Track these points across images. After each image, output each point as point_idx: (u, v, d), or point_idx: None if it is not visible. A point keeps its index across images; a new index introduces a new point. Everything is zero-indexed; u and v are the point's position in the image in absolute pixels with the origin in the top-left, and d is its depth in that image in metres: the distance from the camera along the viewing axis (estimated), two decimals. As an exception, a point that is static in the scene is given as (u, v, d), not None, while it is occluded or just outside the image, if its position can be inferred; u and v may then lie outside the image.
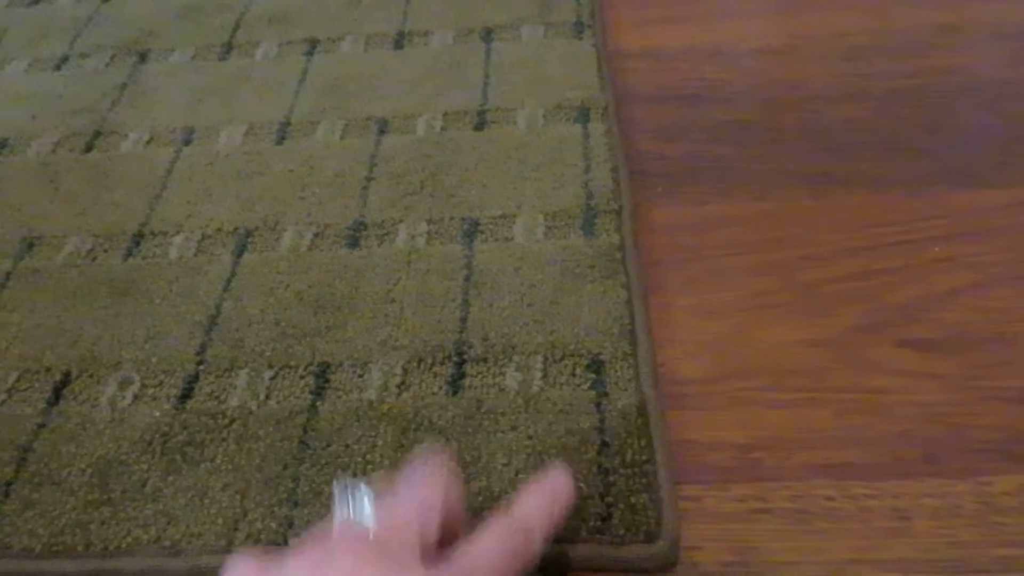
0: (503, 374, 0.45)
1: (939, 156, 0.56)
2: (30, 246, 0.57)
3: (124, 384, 0.47)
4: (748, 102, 0.63)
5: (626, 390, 0.44)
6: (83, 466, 0.43)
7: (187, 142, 0.64)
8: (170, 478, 0.42)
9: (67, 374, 0.48)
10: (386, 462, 0.42)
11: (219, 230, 0.56)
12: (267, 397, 0.46)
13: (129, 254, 0.55)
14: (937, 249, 0.50)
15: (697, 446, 0.42)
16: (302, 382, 0.46)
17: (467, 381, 0.45)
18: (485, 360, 0.46)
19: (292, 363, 0.47)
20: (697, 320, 0.48)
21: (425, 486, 0.33)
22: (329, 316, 0.50)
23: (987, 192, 0.53)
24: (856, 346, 0.46)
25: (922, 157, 0.57)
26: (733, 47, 0.68)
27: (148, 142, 0.64)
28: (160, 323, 0.50)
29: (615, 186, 0.55)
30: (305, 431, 0.44)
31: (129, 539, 0.40)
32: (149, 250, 0.55)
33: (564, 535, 0.38)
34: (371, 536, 0.31)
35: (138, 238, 0.56)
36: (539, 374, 0.45)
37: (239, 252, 0.54)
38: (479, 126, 0.62)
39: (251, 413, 0.45)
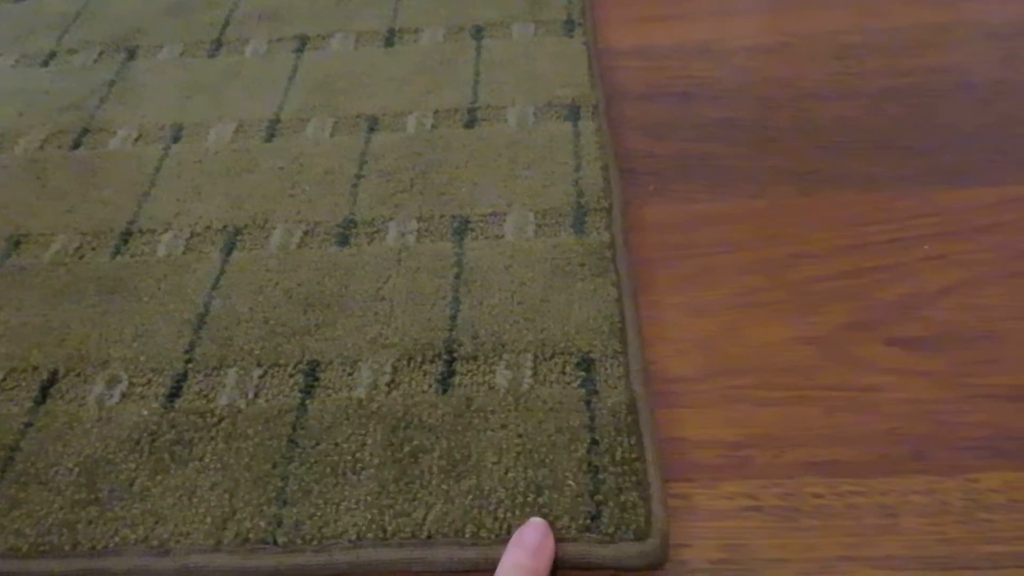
0: (493, 372, 0.45)
1: (930, 155, 0.57)
2: (17, 244, 0.56)
3: (112, 383, 0.47)
4: (739, 100, 0.63)
5: (616, 388, 0.44)
6: (70, 465, 0.43)
7: (176, 139, 0.64)
8: (158, 477, 0.42)
9: (54, 373, 0.48)
10: (375, 460, 0.42)
11: (208, 228, 0.56)
12: (256, 396, 0.45)
13: (117, 252, 0.55)
14: (927, 247, 0.51)
15: (687, 444, 0.42)
16: (291, 380, 0.46)
17: (457, 379, 0.45)
18: (475, 358, 0.46)
19: (281, 361, 0.47)
20: (687, 318, 0.48)
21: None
22: (319, 314, 0.49)
23: (977, 191, 0.54)
24: (846, 344, 0.46)
25: (913, 156, 0.57)
26: (724, 45, 0.68)
27: (136, 139, 0.64)
28: (148, 321, 0.50)
29: (605, 184, 0.55)
30: (294, 430, 0.43)
31: (117, 539, 0.40)
32: (137, 248, 0.55)
33: (554, 534, 0.38)
34: None
35: (126, 236, 0.56)
36: (529, 372, 0.45)
37: (228, 250, 0.54)
38: (469, 124, 0.62)
39: (240, 412, 0.45)
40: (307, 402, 0.45)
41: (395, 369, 0.46)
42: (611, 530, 0.38)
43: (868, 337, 0.46)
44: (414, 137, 0.61)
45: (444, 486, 0.40)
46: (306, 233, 0.55)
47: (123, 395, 0.46)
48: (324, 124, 0.64)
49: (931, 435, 0.41)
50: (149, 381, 0.47)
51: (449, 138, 0.61)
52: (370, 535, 0.39)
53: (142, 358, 0.48)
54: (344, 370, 0.46)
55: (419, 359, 0.46)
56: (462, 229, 0.54)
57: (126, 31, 0.77)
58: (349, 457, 0.42)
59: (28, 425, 0.45)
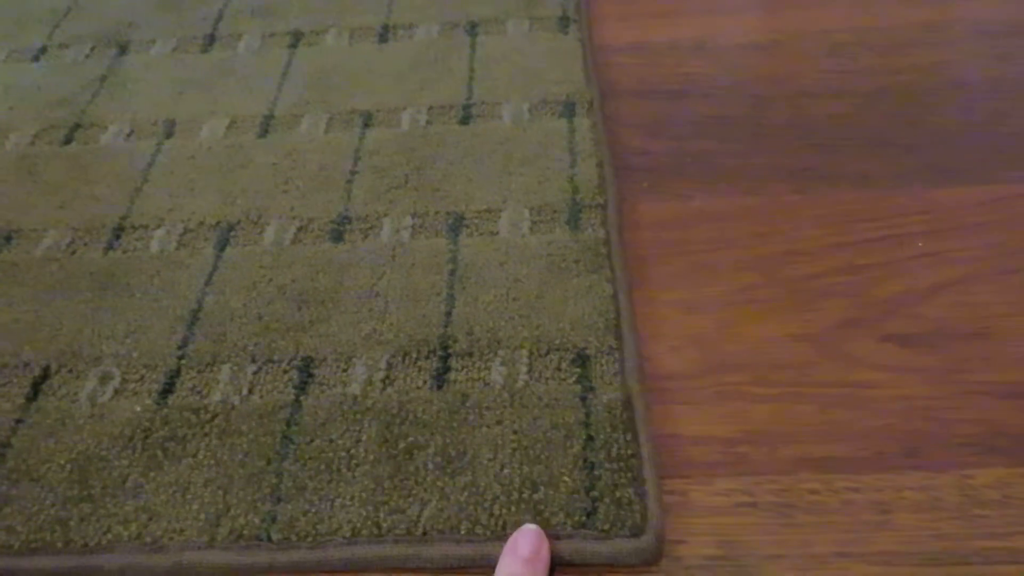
0: (488, 368, 0.45)
1: (922, 152, 0.57)
2: (8, 239, 0.56)
3: (104, 379, 0.47)
4: (733, 97, 0.63)
5: (611, 384, 0.44)
6: (62, 462, 0.43)
7: (169, 135, 0.63)
8: (151, 474, 0.42)
9: (46, 369, 0.47)
10: (370, 457, 0.41)
11: (201, 224, 0.55)
12: (250, 392, 0.45)
13: (109, 248, 0.54)
14: (920, 245, 0.51)
15: (682, 440, 0.42)
16: (285, 377, 0.46)
17: (452, 375, 0.45)
18: (470, 354, 0.46)
19: (275, 357, 0.47)
20: (682, 315, 0.48)
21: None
22: (313, 310, 0.49)
23: (970, 188, 0.54)
24: (840, 341, 0.46)
25: (906, 153, 0.57)
26: (718, 42, 0.68)
27: (129, 135, 0.64)
28: (141, 317, 0.50)
29: (600, 181, 0.55)
30: (288, 426, 0.43)
31: (110, 536, 0.39)
32: (130, 244, 0.55)
33: (550, 530, 0.38)
34: None
35: (119, 231, 0.56)
36: (524, 368, 0.45)
37: (221, 246, 0.54)
38: (464, 120, 0.62)
39: (234, 408, 0.44)
40: (301, 398, 0.45)
41: (390, 365, 0.46)
42: (606, 527, 0.38)
43: (862, 334, 0.46)
44: (408, 133, 0.61)
45: (439, 483, 0.40)
46: (300, 229, 0.54)
47: (116, 391, 0.46)
48: (318, 120, 0.63)
49: (925, 431, 0.42)
50: (142, 377, 0.46)
51: (444, 134, 0.61)
52: (365, 532, 0.38)
53: (135, 354, 0.48)
54: (338, 366, 0.46)
55: (414, 355, 0.46)
56: (457, 225, 0.54)
57: (118, 26, 0.76)
58: (344, 454, 0.42)
59: (20, 422, 0.45)
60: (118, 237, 0.55)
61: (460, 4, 0.74)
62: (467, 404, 0.43)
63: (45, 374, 0.47)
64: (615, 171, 0.57)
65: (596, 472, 0.40)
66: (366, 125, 0.62)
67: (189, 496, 0.41)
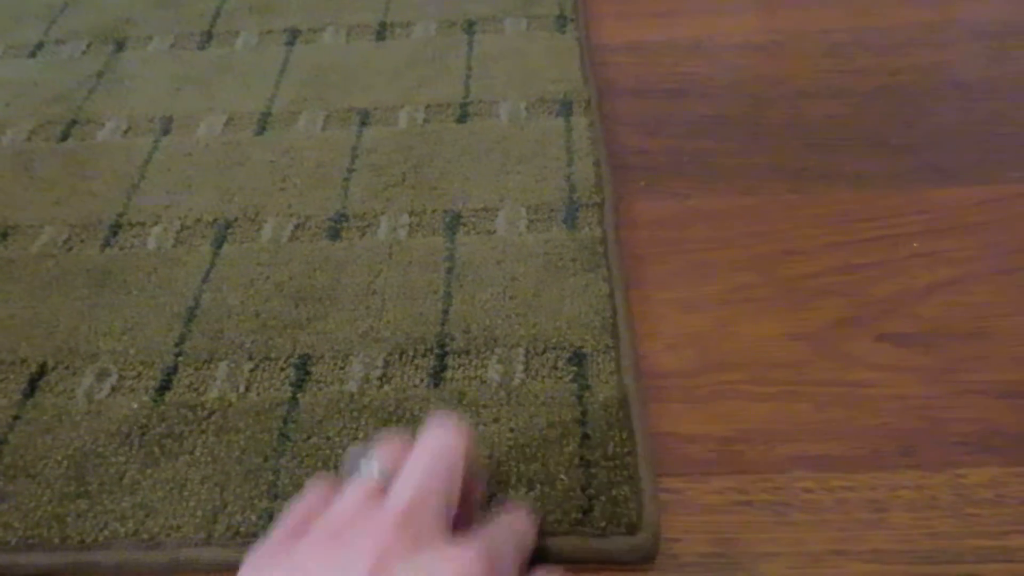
0: (485, 367, 0.45)
1: (919, 152, 0.57)
2: (4, 236, 0.56)
3: (101, 376, 0.47)
4: (730, 97, 0.63)
5: (608, 383, 0.44)
6: (59, 458, 0.43)
7: (166, 132, 0.63)
8: (148, 471, 0.42)
9: (43, 366, 0.47)
10: (367, 454, 0.41)
11: (198, 221, 0.55)
12: (247, 389, 0.45)
13: (106, 244, 0.54)
14: (916, 244, 0.51)
15: (678, 439, 0.42)
16: (282, 374, 0.46)
17: (449, 373, 0.45)
18: (467, 352, 0.46)
19: (272, 355, 0.47)
20: (679, 313, 0.48)
21: (445, 450, 0.32)
22: (310, 308, 0.49)
23: (967, 188, 0.54)
24: (836, 340, 0.46)
25: (903, 153, 0.57)
26: (716, 42, 0.68)
27: (126, 131, 0.64)
28: (138, 314, 0.50)
29: (597, 179, 0.55)
30: (285, 423, 0.43)
31: (106, 532, 0.39)
32: (127, 240, 0.54)
33: (545, 527, 0.38)
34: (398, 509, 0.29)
35: (115, 228, 0.55)
36: (521, 367, 0.45)
37: (219, 243, 0.54)
38: (461, 118, 0.62)
39: (231, 405, 0.44)
40: (298, 396, 0.45)
41: (387, 363, 0.46)
42: (602, 524, 0.38)
43: (858, 333, 0.46)
44: (406, 131, 0.61)
45: (436, 480, 0.40)
46: (297, 227, 0.54)
47: (113, 388, 0.46)
48: (315, 117, 0.63)
49: (920, 431, 0.42)
50: (139, 374, 0.46)
51: (441, 133, 0.61)
52: (362, 529, 0.38)
53: (132, 351, 0.48)
54: (335, 364, 0.46)
55: (411, 353, 0.46)
56: (454, 224, 0.54)
57: (115, 22, 0.76)
58: (341, 451, 0.42)
59: (16, 418, 0.45)
60: (115, 234, 0.55)
61: (458, 2, 0.74)
62: (464, 402, 0.43)
63: (42, 371, 0.47)
64: (612, 170, 0.57)
65: (592, 470, 0.40)
66: (363, 123, 0.62)
67: (186, 493, 0.41)
